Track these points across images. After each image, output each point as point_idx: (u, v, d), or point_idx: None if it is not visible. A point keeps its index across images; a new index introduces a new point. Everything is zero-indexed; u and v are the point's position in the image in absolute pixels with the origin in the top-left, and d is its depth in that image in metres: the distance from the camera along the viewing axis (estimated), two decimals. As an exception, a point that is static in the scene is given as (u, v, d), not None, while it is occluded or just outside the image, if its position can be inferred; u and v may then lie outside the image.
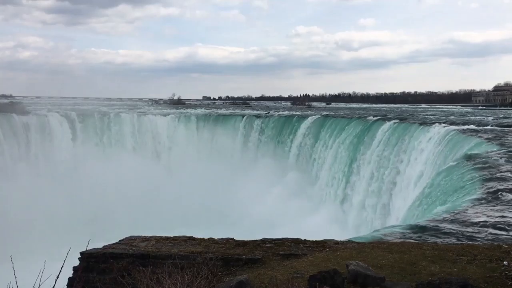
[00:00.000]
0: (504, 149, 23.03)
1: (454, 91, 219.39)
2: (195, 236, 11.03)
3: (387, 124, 40.03)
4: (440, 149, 28.08)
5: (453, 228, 11.74)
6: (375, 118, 46.15)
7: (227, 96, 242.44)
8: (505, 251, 8.58)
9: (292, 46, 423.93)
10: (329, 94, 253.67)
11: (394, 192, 33.06)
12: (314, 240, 10.44)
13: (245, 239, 10.72)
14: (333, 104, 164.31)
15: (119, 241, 11.06)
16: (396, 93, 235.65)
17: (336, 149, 44.32)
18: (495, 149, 23.26)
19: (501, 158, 20.71)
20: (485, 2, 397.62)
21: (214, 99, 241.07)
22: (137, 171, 47.71)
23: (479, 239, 10.77)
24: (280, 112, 66.93)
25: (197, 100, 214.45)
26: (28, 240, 34.05)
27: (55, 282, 5.71)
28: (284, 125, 56.16)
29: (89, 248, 9.48)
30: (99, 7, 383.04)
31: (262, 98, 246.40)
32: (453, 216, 12.90)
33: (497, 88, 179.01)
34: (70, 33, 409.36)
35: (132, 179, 45.35)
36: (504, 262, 7.83)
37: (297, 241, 10.37)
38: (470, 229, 11.60)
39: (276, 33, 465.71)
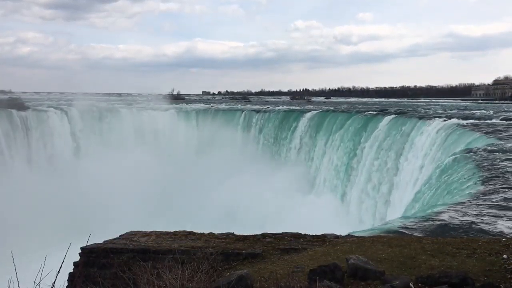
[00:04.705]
0: (504, 143, 23.04)
1: (453, 85, 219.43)
2: (195, 231, 11.05)
3: (387, 118, 40.01)
4: (440, 143, 28.07)
5: (452, 222, 11.76)
6: (374, 112, 46.13)
7: (227, 91, 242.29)
8: (504, 245, 8.60)
9: (291, 40, 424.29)
10: (329, 89, 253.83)
11: (394, 186, 33.09)
12: (314, 234, 10.46)
13: (245, 234, 10.74)
14: (332, 99, 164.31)
15: (120, 236, 11.07)
16: (396, 87, 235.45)
17: (336, 143, 44.31)
18: (495, 143, 23.26)
19: (501, 152, 20.71)
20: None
21: (213, 94, 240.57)
22: (136, 166, 47.71)
23: (478, 233, 10.79)
24: (280, 107, 66.85)
25: (196, 95, 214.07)
26: (29, 236, 34.09)
27: (56, 277, 5.72)
28: (284, 120, 56.09)
29: (89, 243, 9.50)
30: (98, 2, 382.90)
31: (262, 92, 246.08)
32: (452, 210, 12.93)
33: (496, 82, 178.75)
34: (70, 28, 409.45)
35: (131, 174, 45.37)
36: (504, 256, 7.84)
37: (297, 236, 10.38)
38: (469, 223, 11.62)
39: (275, 28, 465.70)
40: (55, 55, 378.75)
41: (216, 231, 10.99)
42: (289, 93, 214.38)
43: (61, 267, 5.93)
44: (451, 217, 12.21)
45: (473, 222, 11.68)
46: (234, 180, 45.88)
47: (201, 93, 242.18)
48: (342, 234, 10.56)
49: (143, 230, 11.28)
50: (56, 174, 47.04)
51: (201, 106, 70.70)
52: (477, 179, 16.46)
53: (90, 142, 54.03)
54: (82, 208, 39.58)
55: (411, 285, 6.51)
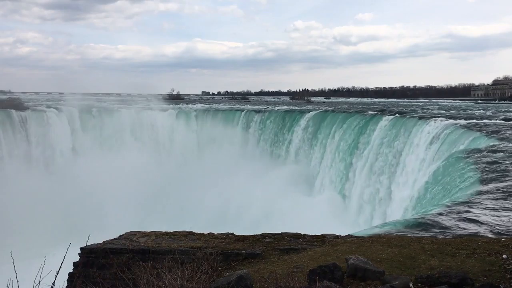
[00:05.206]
0: (504, 143, 23.03)
1: (453, 85, 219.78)
2: (195, 231, 11.05)
3: (387, 118, 39.95)
4: (440, 143, 28.02)
5: (452, 222, 11.74)
6: (374, 112, 46.08)
7: (226, 91, 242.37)
8: (504, 245, 8.60)
9: (290, 41, 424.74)
10: (328, 89, 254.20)
11: (393, 186, 33.02)
12: (313, 234, 10.46)
13: (245, 234, 10.74)
14: (332, 99, 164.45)
15: (119, 236, 11.08)
16: (395, 87, 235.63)
17: (336, 143, 44.27)
18: (494, 143, 23.24)
19: (500, 152, 20.70)
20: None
21: (213, 94, 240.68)
22: (136, 166, 47.70)
23: (478, 233, 10.78)
24: (280, 107, 66.80)
25: (196, 95, 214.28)
26: (28, 236, 34.07)
27: (55, 277, 5.72)
28: (284, 120, 56.05)
29: (89, 243, 9.50)
30: (97, 2, 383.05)
31: (261, 93, 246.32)
32: (452, 210, 12.91)
33: (496, 82, 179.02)
34: (69, 28, 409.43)
35: (131, 174, 45.35)
36: (503, 256, 7.85)
37: (296, 236, 10.39)
38: (469, 223, 11.61)
39: (275, 28, 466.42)
40: (55, 55, 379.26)
41: (215, 231, 10.99)
42: (288, 93, 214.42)
43: (60, 267, 5.93)
44: (451, 217, 12.18)
45: (472, 222, 11.65)
46: (234, 180, 45.86)
47: (201, 93, 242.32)
48: (342, 235, 10.56)
49: (143, 230, 11.28)
50: (55, 174, 47.03)
51: (200, 106, 70.61)
52: (477, 179, 16.40)
53: (89, 142, 53.99)
54: (82, 208, 39.56)
55: (410, 285, 6.51)
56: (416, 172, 27.68)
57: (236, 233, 10.90)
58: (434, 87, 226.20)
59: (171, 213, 40.36)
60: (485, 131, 27.34)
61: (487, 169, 17.47)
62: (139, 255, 9.88)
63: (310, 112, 54.03)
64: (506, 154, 20.10)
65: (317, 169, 46.28)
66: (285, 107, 66.64)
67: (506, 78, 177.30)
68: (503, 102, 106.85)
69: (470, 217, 11.90)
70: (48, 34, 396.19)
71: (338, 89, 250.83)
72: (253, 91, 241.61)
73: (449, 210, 12.78)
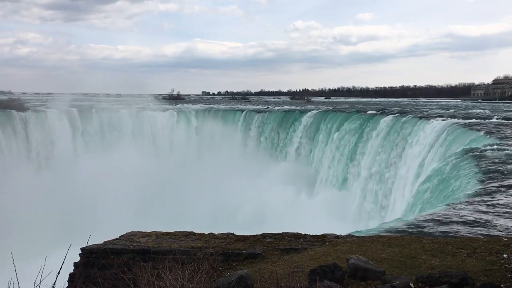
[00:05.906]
0: (504, 143, 23.01)
1: (453, 85, 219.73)
2: (195, 231, 11.05)
3: (387, 118, 39.89)
4: (440, 142, 28.01)
5: (452, 221, 11.75)
6: (375, 112, 46.05)
7: (226, 91, 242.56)
8: (504, 244, 8.60)
9: (290, 41, 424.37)
10: (328, 89, 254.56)
11: (393, 187, 33.02)
12: (314, 234, 10.46)
13: (245, 234, 10.74)
14: (332, 99, 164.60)
15: (120, 236, 11.08)
16: (395, 87, 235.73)
17: (337, 143, 44.27)
18: (495, 143, 23.22)
19: (501, 151, 20.68)
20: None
21: (213, 94, 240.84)
22: (136, 166, 47.67)
23: (478, 233, 10.78)
24: (280, 107, 66.82)
25: (196, 95, 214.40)
26: (29, 236, 34.08)
27: (56, 278, 5.72)
28: (284, 120, 56.11)
29: (89, 243, 9.50)
30: (97, 3, 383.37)
31: (262, 93, 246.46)
32: (452, 209, 12.91)
33: (496, 81, 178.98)
34: (69, 29, 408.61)
35: (131, 175, 45.33)
36: (504, 255, 7.85)
37: (297, 236, 10.39)
38: (469, 223, 11.61)
39: (275, 28, 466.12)
40: (55, 56, 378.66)
41: (216, 231, 10.99)
42: (289, 93, 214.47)
43: (61, 267, 5.94)
44: (451, 216, 12.19)
45: (472, 222, 11.65)
46: (233, 180, 45.87)
47: (201, 94, 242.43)
48: (342, 234, 10.56)
49: (143, 231, 11.28)
50: (56, 175, 47.00)
51: (200, 106, 70.60)
52: (477, 178, 16.37)
53: (90, 142, 53.99)
54: (82, 208, 39.57)
55: (411, 285, 6.51)
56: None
57: (237, 233, 10.90)
58: (434, 86, 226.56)
59: (171, 213, 40.34)
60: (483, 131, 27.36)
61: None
62: (139, 255, 9.88)
63: (312, 111, 53.91)
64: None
65: (317, 168, 46.35)
66: (286, 107, 66.71)
67: (506, 78, 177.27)
68: (503, 101, 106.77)
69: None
70: (48, 34, 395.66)
71: (338, 89, 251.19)
72: (253, 91, 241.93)
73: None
